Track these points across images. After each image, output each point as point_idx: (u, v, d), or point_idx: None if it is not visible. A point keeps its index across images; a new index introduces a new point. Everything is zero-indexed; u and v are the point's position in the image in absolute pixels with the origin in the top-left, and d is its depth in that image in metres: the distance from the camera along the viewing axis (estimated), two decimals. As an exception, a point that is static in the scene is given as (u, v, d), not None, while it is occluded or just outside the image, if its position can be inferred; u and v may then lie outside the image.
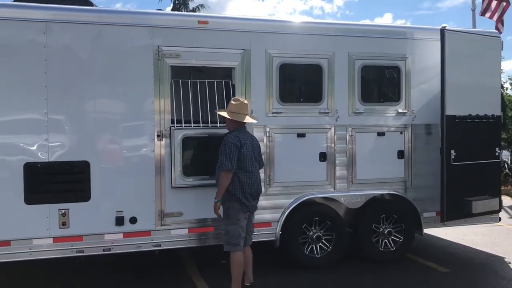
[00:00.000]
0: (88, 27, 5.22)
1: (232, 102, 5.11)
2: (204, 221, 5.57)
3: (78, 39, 5.18)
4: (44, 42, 5.04)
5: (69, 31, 5.16)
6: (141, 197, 5.35)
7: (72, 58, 5.16)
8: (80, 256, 5.23)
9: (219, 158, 4.97)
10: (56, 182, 5.12)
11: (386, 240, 6.31)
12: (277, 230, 5.80)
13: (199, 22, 5.57)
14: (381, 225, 6.29)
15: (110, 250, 5.27)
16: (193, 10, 29.32)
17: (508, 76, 37.49)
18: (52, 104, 5.06)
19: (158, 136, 5.39)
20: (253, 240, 5.63)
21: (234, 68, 5.67)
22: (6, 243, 4.96)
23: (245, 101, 5.16)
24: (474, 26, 13.20)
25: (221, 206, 4.99)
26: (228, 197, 4.97)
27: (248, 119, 5.11)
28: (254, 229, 5.37)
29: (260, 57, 5.77)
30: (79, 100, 5.19)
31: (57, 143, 5.10)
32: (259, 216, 5.72)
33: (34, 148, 5.03)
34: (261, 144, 5.62)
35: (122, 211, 5.28)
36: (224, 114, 5.08)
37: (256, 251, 5.32)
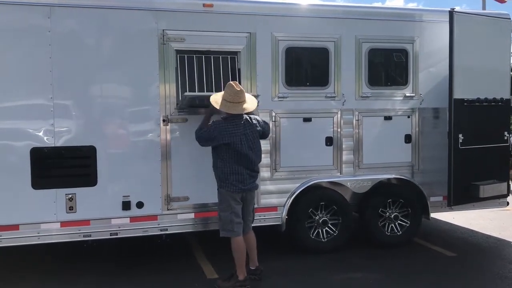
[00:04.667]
0: (93, 11, 5.18)
1: (227, 89, 4.89)
2: (210, 206, 5.57)
3: (82, 23, 5.15)
4: (48, 27, 5.02)
5: (74, 15, 5.12)
6: (147, 181, 5.37)
7: (76, 43, 5.14)
8: (88, 240, 5.27)
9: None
10: (62, 167, 5.14)
11: (393, 225, 6.30)
12: (283, 214, 5.80)
13: (204, 5, 5.50)
14: (388, 209, 6.28)
15: (117, 235, 5.31)
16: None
17: (519, 59, 36.98)
18: (57, 89, 5.06)
19: (163, 120, 5.39)
20: (260, 224, 5.68)
21: (239, 51, 5.62)
22: (15, 227, 5.01)
23: (238, 88, 4.86)
24: (484, 8, 13.00)
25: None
26: (219, 183, 4.99)
27: (238, 110, 4.85)
28: (261, 213, 5.38)
29: (266, 40, 5.71)
30: (84, 85, 5.19)
31: (63, 128, 5.11)
32: (265, 200, 5.75)
33: (40, 133, 5.05)
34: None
35: (128, 196, 5.31)
36: (216, 105, 4.89)
37: (264, 235, 5.33)
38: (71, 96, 5.15)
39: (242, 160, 4.92)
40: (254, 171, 5.07)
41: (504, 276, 5.42)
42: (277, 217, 5.82)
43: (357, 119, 6.10)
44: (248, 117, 5.03)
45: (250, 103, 4.98)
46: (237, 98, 4.85)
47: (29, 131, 5.03)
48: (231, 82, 4.95)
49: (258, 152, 5.09)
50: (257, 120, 5.13)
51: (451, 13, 5.91)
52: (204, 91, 5.47)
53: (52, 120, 5.06)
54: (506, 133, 6.50)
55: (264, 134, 5.21)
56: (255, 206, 5.38)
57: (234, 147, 4.85)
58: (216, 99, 4.93)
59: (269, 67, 5.74)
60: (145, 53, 5.33)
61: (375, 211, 6.22)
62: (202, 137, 4.97)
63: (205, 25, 5.51)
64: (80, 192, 5.17)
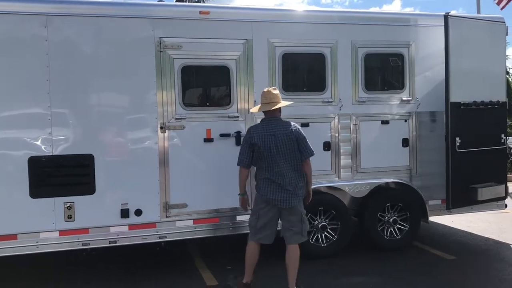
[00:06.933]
0: (90, 19, 5.21)
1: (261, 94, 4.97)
2: (209, 212, 5.58)
3: (79, 32, 5.17)
4: (45, 36, 5.03)
5: (70, 24, 5.14)
6: (145, 189, 5.36)
7: (73, 51, 5.15)
8: (87, 249, 5.26)
9: None
10: (60, 175, 5.14)
11: (392, 229, 6.30)
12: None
13: (200, 12, 5.53)
14: (387, 213, 6.29)
15: (116, 243, 5.30)
16: (198, 1, 29.13)
17: (515, 62, 37.18)
18: (55, 97, 5.06)
19: (161, 128, 5.39)
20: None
21: (236, 58, 5.64)
22: (13, 236, 4.99)
23: (266, 90, 4.92)
24: (478, 12, 13.07)
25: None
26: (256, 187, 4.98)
27: (267, 107, 4.85)
28: None
29: (263, 46, 5.74)
30: (82, 93, 5.19)
31: (61, 137, 5.11)
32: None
33: (38, 142, 5.04)
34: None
35: (127, 204, 5.30)
36: (255, 110, 5.11)
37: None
38: (68, 104, 5.15)
39: (271, 165, 4.74)
40: (287, 187, 4.73)
41: (503, 278, 5.42)
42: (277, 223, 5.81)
43: (354, 123, 6.12)
44: (288, 123, 4.85)
45: (280, 103, 4.91)
46: (265, 99, 4.87)
47: (26, 140, 5.03)
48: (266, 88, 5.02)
49: (291, 161, 4.77)
50: (298, 132, 4.80)
51: (446, 17, 5.96)
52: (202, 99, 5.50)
53: (49, 128, 5.06)
54: (503, 135, 6.53)
55: (300, 148, 4.80)
56: (302, 215, 4.92)
57: (263, 149, 4.73)
58: (255, 108, 5.12)
59: (266, 73, 5.77)
60: (142, 61, 5.34)
61: (374, 215, 6.23)
62: (240, 155, 4.89)
63: (202, 32, 5.53)
64: (79, 201, 5.16)
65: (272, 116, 4.89)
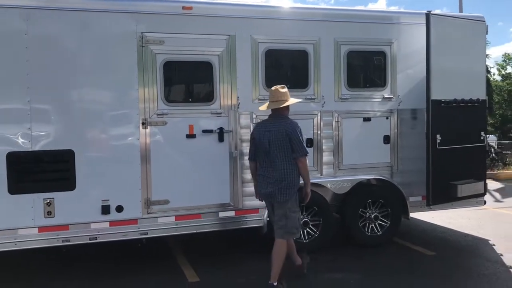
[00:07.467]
0: (71, 13, 5.13)
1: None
2: (191, 209, 5.56)
3: (60, 26, 5.10)
4: (25, 29, 4.95)
5: (51, 18, 5.07)
6: (127, 185, 5.32)
7: (54, 46, 5.08)
8: (67, 246, 5.20)
9: None
10: (40, 171, 5.08)
11: (373, 225, 6.36)
12: (265, 216, 5.80)
13: (183, 8, 5.49)
14: (368, 210, 6.33)
15: (96, 239, 5.25)
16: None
17: (496, 61, 37.77)
18: (34, 92, 4.99)
19: (143, 123, 5.35)
20: (242, 227, 5.68)
21: (219, 54, 5.62)
22: (-9, 233, 4.92)
23: (273, 88, 5.00)
24: (460, 11, 13.23)
25: None
26: None
27: (271, 106, 4.97)
28: (243, 215, 5.45)
29: (246, 43, 5.72)
30: (62, 88, 5.12)
31: (41, 132, 5.04)
32: (247, 202, 5.76)
33: (17, 137, 4.97)
34: (247, 131, 5.65)
35: (108, 200, 5.26)
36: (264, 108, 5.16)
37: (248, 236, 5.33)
38: (48, 99, 5.08)
39: (265, 160, 4.90)
40: (275, 182, 4.83)
41: (482, 273, 5.50)
42: (259, 219, 5.82)
43: (336, 120, 6.15)
44: (286, 121, 4.90)
45: (287, 100, 4.96)
46: (272, 97, 4.95)
47: (5, 136, 4.95)
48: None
49: (282, 158, 4.81)
50: (292, 130, 4.81)
51: (428, 15, 6.01)
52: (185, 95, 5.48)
53: (29, 124, 4.98)
54: (482, 133, 6.62)
55: (292, 146, 4.81)
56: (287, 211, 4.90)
57: (258, 141, 4.93)
58: (263, 106, 5.18)
59: (249, 69, 5.76)
60: (124, 56, 5.29)
61: (355, 211, 6.27)
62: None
63: (185, 28, 5.50)
64: (59, 197, 5.10)
65: (276, 113, 4.97)
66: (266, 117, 5.15)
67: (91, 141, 5.26)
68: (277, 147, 4.82)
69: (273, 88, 5.02)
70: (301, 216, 6.01)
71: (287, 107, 4.99)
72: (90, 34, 5.19)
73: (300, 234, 5.99)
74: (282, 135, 4.80)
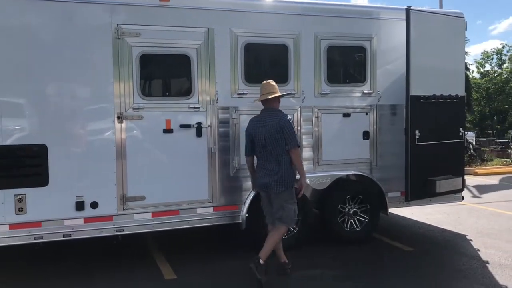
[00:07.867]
0: (43, 3, 4.97)
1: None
2: (168, 205, 5.46)
3: (31, 16, 4.93)
4: (-6, 20, 4.78)
5: (22, 7, 4.90)
6: (102, 181, 5.21)
7: (25, 37, 4.92)
8: (39, 243, 5.06)
9: None
10: (10, 166, 4.92)
11: (352, 220, 6.34)
12: (243, 212, 5.75)
13: (160, -1, 5.38)
14: (347, 205, 6.32)
15: (70, 236, 5.13)
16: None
17: (474, 59, 38.33)
18: (3, 85, 4.83)
19: (118, 118, 5.23)
20: (220, 223, 5.63)
21: (197, 47, 5.52)
22: (-41, 230, 4.77)
23: (265, 81, 5.19)
24: (441, 7, 13.32)
25: None
26: None
27: (261, 98, 5.16)
28: (222, 211, 5.52)
29: (224, 36, 5.63)
30: (34, 81, 4.96)
31: (11, 126, 4.89)
32: (225, 198, 5.70)
33: (-14, 131, 4.80)
34: (225, 125, 5.62)
35: (82, 196, 5.13)
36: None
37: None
38: (19, 92, 4.93)
39: (262, 152, 5.07)
40: (271, 174, 5.02)
41: (459, 269, 5.53)
42: (237, 215, 5.76)
43: (316, 116, 6.11)
44: (278, 114, 5.08)
45: (275, 93, 5.15)
46: (264, 90, 5.13)
47: (-27, 130, 4.78)
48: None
49: (276, 150, 5.00)
50: (284, 123, 4.96)
51: (408, 11, 5.99)
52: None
53: (-2, 117, 4.82)
54: (461, 129, 6.65)
55: (285, 139, 4.97)
56: (284, 203, 5.06)
57: (254, 138, 5.09)
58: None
59: (228, 63, 5.68)
60: (99, 48, 5.16)
61: (334, 207, 6.25)
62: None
63: (162, 20, 5.38)
64: (31, 193, 4.96)
65: (268, 107, 5.13)
66: (252, 113, 5.37)
67: (65, 136, 5.11)
68: (272, 140, 5.00)
69: (264, 81, 5.17)
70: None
71: (278, 100, 5.20)
72: (63, 25, 5.04)
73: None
74: (276, 129, 4.98)
